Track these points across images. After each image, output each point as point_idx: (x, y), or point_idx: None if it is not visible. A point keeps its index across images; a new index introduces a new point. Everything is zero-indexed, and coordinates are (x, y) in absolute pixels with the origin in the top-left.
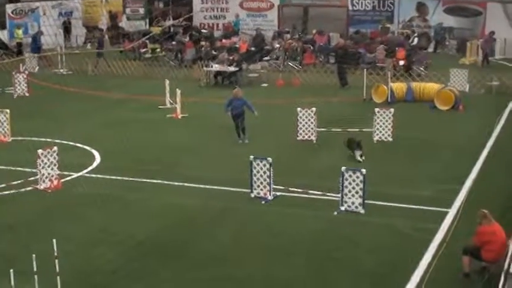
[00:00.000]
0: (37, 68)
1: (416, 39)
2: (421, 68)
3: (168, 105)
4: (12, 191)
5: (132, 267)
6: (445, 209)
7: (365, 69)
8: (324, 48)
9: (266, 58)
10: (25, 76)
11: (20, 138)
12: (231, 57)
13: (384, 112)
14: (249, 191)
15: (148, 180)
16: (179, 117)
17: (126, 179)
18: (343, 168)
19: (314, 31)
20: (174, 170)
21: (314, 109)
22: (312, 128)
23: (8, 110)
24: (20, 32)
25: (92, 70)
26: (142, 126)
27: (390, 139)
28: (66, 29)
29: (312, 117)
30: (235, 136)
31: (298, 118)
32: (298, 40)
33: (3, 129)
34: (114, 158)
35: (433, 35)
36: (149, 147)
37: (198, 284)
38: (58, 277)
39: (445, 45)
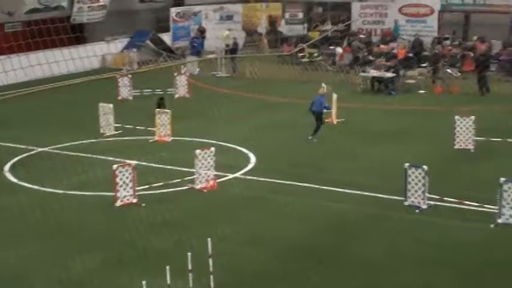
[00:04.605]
0: (197, 70)
1: None
2: None
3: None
4: (170, 190)
5: (282, 269)
6: None
7: None
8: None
9: (424, 64)
10: (186, 78)
11: (179, 138)
12: (388, 63)
13: None
14: (403, 198)
15: (300, 184)
16: (335, 122)
17: (279, 181)
18: (501, 179)
19: (475, 38)
20: (326, 174)
21: (473, 117)
22: (469, 137)
23: (169, 111)
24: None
25: (232, 73)
26: (297, 129)
27: None
28: None
29: (470, 125)
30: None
31: (456, 126)
32: (458, 47)
33: (164, 129)
34: (268, 160)
35: None
36: (303, 151)
37: None
38: (211, 276)
39: None
